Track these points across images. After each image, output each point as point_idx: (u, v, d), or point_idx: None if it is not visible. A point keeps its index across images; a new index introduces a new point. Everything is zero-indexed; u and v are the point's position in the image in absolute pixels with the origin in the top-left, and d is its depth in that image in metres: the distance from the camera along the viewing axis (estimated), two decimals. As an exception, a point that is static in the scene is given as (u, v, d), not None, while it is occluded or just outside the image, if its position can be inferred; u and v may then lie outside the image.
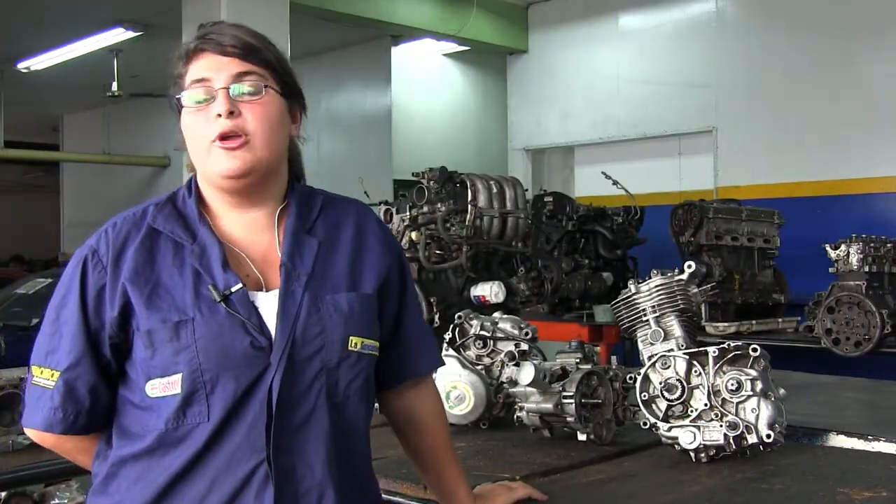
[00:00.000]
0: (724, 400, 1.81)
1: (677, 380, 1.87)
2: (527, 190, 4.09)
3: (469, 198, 3.55)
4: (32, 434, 1.18)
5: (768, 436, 1.79)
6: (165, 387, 1.12)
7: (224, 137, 1.12)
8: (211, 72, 1.14)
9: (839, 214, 5.43)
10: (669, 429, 1.87)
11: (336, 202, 1.29)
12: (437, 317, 3.20)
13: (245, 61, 1.16)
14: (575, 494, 1.64)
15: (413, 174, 3.91)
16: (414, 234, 3.37)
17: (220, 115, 1.12)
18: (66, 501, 1.67)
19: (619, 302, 2.08)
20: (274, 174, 1.20)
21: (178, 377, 1.12)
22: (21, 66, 8.02)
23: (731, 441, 1.77)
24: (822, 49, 5.77)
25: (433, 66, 7.38)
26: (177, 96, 1.18)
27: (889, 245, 3.90)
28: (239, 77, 1.14)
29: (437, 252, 3.41)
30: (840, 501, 1.55)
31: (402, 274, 1.32)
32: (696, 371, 1.87)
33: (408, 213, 3.57)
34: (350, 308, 1.20)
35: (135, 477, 1.13)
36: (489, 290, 2.97)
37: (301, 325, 1.16)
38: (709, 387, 1.83)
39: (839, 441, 2.13)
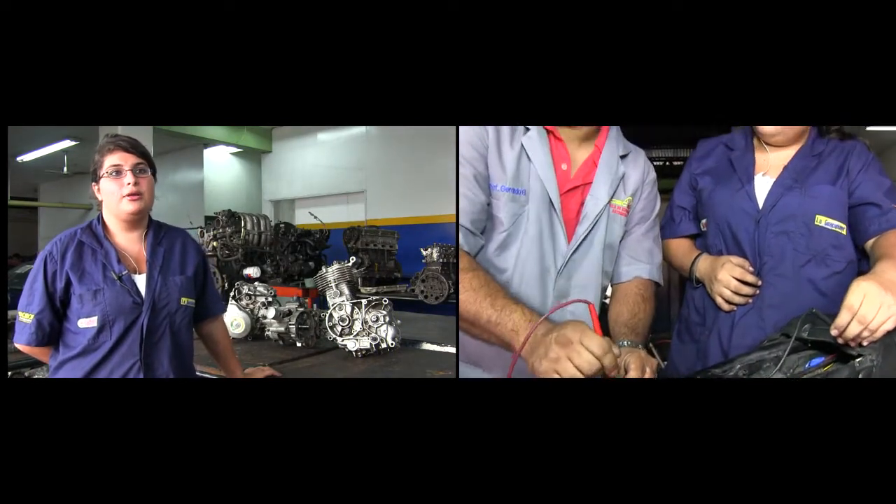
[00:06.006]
0: (369, 325, 2.50)
1: (346, 315, 2.56)
2: (271, 220, 6.40)
3: (242, 224, 5.56)
4: (19, 346, 1.56)
5: (391, 344, 2.50)
6: (89, 322, 1.51)
7: (131, 194, 1.56)
8: (121, 160, 1.56)
9: (428, 233, 7.44)
10: (343, 340, 2.52)
11: (171, 228, 1.71)
12: (226, 285, 4.42)
13: (137, 156, 1.58)
14: (297, 373, 2.19)
15: (213, 213, 6.25)
16: (215, 242, 4.92)
17: (129, 183, 1.54)
18: (39, 376, 2.15)
19: (317, 276, 2.71)
20: (145, 213, 1.63)
21: (95, 318, 1.51)
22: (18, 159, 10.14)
23: (373, 346, 2.46)
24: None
25: (224, 160, 10.64)
26: (98, 170, 1.56)
27: (452, 248, 5.20)
28: (136, 164, 1.56)
29: (226, 251, 4.95)
30: (426, 374, 2.13)
31: (205, 264, 1.78)
32: (356, 311, 2.54)
33: (211, 233, 5.48)
34: (181, 283, 1.63)
35: (71, 367, 1.53)
36: (252, 270, 3.52)
37: (157, 292, 1.57)
38: (362, 319, 2.52)
39: (426, 346, 2.77)
